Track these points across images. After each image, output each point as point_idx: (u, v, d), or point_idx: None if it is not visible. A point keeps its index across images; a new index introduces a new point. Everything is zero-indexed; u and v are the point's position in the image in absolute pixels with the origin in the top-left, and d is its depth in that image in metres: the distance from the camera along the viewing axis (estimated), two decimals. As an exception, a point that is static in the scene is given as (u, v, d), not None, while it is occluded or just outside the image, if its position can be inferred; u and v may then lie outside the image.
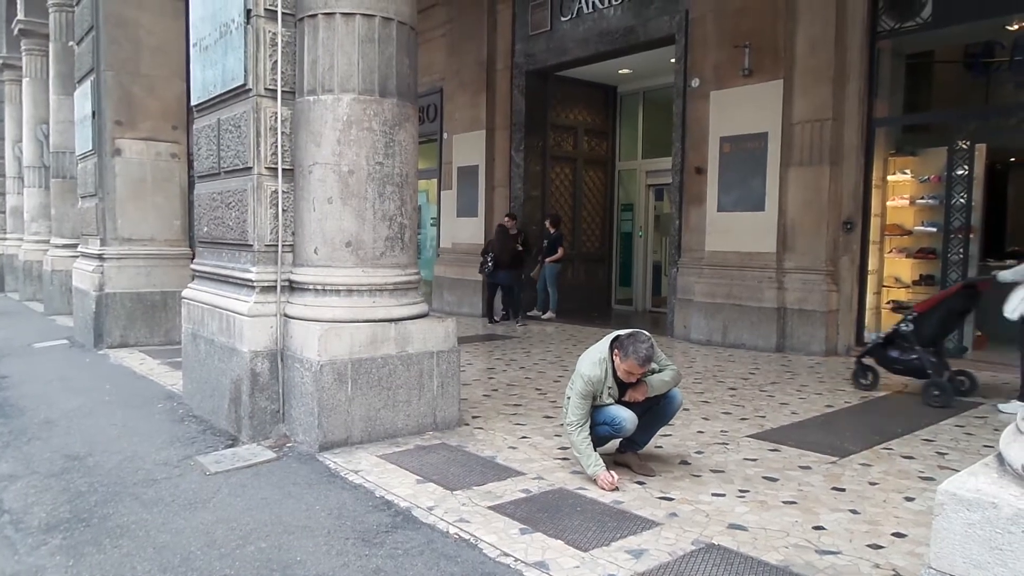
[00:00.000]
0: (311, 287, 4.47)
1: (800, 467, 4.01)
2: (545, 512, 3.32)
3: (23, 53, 13.26)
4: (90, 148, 8.32)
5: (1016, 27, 7.47)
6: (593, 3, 10.06)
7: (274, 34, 4.50)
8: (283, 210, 4.56)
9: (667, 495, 3.55)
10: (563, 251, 10.83)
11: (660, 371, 3.78)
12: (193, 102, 5.53)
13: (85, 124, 8.54)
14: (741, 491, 3.62)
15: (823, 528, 3.16)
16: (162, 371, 6.71)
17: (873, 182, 7.75)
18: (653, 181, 12.19)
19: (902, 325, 5.73)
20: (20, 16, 12.77)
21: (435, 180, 13.08)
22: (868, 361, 6.03)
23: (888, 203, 8.08)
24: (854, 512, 3.34)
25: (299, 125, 4.51)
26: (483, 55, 11.37)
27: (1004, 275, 5.51)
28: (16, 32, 13.10)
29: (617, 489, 3.58)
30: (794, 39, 7.81)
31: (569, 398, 3.77)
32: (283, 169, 4.54)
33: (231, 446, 4.43)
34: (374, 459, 4.09)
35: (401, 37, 4.52)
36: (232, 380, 4.62)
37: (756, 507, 3.41)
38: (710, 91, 8.52)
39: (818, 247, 7.78)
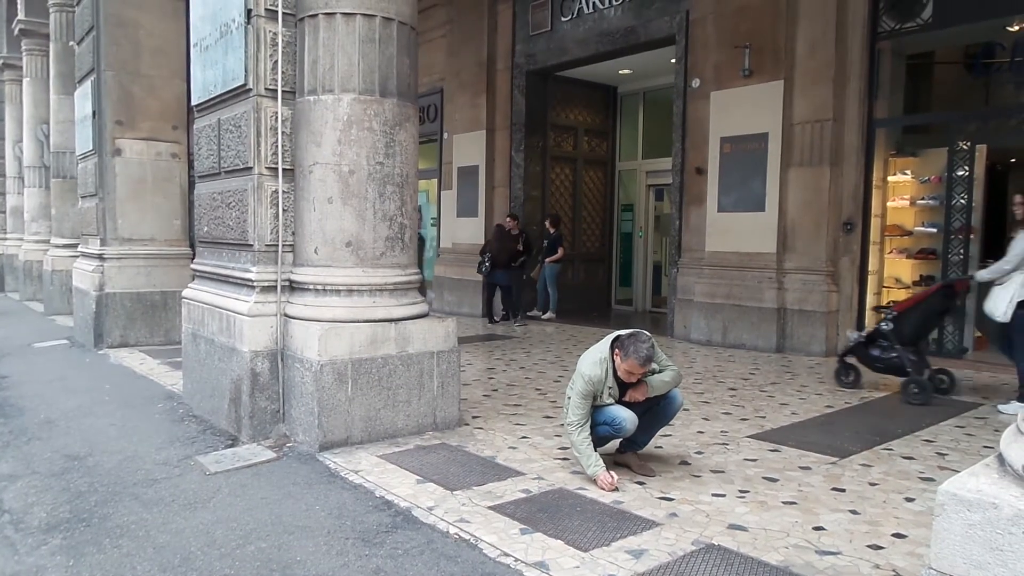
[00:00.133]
0: (311, 287, 4.47)
1: (800, 467, 4.01)
2: (545, 512, 3.32)
3: (23, 53, 13.27)
4: (90, 148, 8.32)
5: (1016, 28, 7.46)
6: (593, 3, 10.06)
7: (274, 34, 4.50)
8: (283, 210, 4.56)
9: (667, 495, 3.55)
10: (563, 251, 10.83)
11: (660, 371, 3.78)
12: (193, 102, 5.53)
13: (85, 124, 8.54)
14: (741, 491, 3.62)
15: (823, 529, 3.16)
16: (162, 371, 6.72)
17: (873, 183, 7.74)
18: (653, 181, 12.19)
19: (883, 324, 5.85)
20: (20, 16, 12.78)
21: (435, 180, 13.08)
22: (850, 360, 6.12)
23: (888, 204, 8.07)
24: (854, 513, 3.34)
25: (299, 125, 4.52)
26: (483, 55, 11.36)
27: (982, 274, 5.58)
28: (16, 32, 13.11)
29: (617, 489, 3.58)
30: (794, 40, 7.81)
31: (569, 398, 3.77)
32: (283, 169, 4.54)
33: (231, 446, 4.43)
34: (374, 459, 4.09)
35: (401, 37, 4.52)
36: (232, 380, 4.62)
37: (756, 507, 3.41)
38: (710, 91, 8.52)
39: (818, 248, 7.78)
